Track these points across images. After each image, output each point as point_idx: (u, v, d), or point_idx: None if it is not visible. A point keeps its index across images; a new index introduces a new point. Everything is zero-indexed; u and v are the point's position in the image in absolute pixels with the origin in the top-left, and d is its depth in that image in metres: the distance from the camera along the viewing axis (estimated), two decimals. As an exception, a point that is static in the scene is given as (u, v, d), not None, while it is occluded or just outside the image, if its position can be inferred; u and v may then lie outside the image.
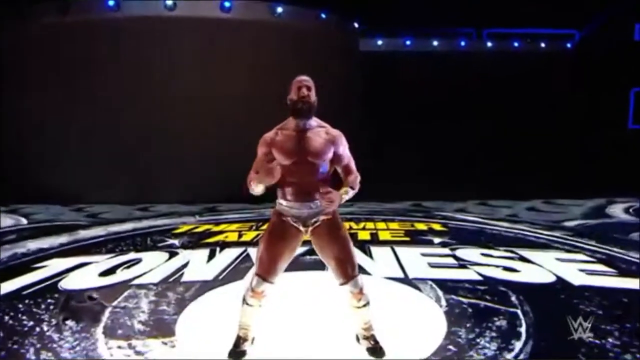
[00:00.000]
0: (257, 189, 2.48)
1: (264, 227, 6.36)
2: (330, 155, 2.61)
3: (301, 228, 2.63)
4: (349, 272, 2.59)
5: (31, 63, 10.09)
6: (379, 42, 13.37)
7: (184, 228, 6.94)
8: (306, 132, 2.58)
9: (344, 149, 2.64)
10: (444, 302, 3.64)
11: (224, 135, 9.72)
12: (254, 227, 6.75)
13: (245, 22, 10.15)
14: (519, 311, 3.44)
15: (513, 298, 3.71)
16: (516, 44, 13.44)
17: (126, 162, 9.91)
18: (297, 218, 2.61)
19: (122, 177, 9.81)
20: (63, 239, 6.25)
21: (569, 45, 13.44)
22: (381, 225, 6.89)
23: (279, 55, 9.80)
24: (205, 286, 4.10)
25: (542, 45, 13.42)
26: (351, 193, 2.58)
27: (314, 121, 2.64)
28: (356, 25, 12.52)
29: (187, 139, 9.95)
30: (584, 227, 6.73)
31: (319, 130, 2.62)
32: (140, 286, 4.13)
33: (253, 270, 2.67)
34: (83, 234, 6.60)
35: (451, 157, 12.10)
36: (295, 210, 2.61)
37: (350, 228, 6.68)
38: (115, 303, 3.70)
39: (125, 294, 3.93)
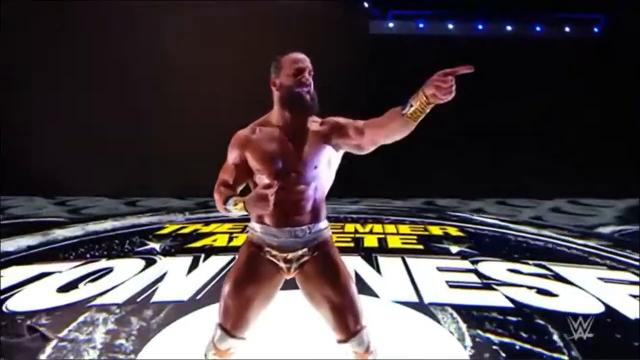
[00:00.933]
0: (232, 213, 1.73)
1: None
2: (326, 158, 1.86)
3: (282, 265, 1.90)
4: (350, 326, 1.84)
5: (6, 48, 9.30)
6: (390, 25, 12.45)
7: (170, 228, 6.26)
8: (295, 128, 1.84)
9: (341, 120, 1.87)
10: (468, 342, 2.91)
11: (219, 125, 8.95)
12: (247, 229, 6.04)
13: (241, 2, 9.28)
14: (566, 358, 2.70)
15: (555, 337, 2.97)
16: (538, 28, 12.44)
17: (116, 152, 9.22)
18: (277, 250, 1.88)
19: (111, 168, 9.12)
20: (33, 240, 5.59)
21: (596, 29, 12.42)
22: (390, 228, 6.14)
23: (279, 38, 8.92)
24: (178, 309, 3.41)
25: (567, 29, 12.42)
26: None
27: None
28: (366, 5, 11.61)
29: (181, 128, 9.21)
30: (622, 235, 5.93)
31: (311, 125, 1.87)
32: (101, 308, 3.45)
33: (217, 312, 1.94)
34: (57, 233, 5.94)
35: (466, 149, 11.24)
36: (274, 239, 1.88)
37: (356, 231, 5.96)
38: (63, 333, 3.01)
39: (80, 319, 3.25)
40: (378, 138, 1.76)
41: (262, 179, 1.85)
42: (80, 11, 9.05)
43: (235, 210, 1.71)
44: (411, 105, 1.59)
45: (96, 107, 9.29)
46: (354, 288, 1.92)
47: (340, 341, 1.87)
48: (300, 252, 1.89)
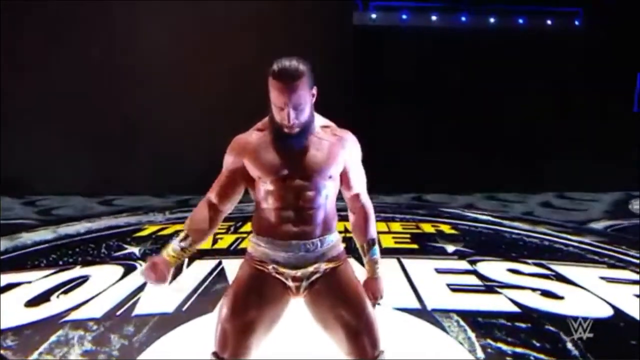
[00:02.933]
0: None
1: (246, 227, 5.28)
2: (340, 168, 1.65)
3: (290, 284, 1.65)
4: (368, 351, 1.61)
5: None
6: (373, 16, 12.23)
7: (150, 229, 5.90)
8: (302, 133, 1.60)
9: (354, 157, 1.72)
10: (480, 353, 2.72)
11: (200, 119, 8.58)
12: (231, 229, 5.73)
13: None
14: (584, 369, 2.54)
15: (570, 345, 2.81)
16: (521, 21, 12.42)
17: (88, 147, 8.71)
18: (284, 267, 1.63)
19: (84, 164, 8.62)
20: (-2, 245, 5.15)
21: (577, 22, 12.48)
22: (381, 226, 5.93)
23: (261, 32, 8.54)
24: (163, 323, 3.11)
25: (549, 22, 12.43)
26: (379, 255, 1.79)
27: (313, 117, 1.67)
28: (348, -5, 11.34)
29: (159, 122, 8.76)
30: (615, 231, 5.89)
31: (322, 131, 1.65)
32: (76, 324, 3.12)
33: (215, 332, 1.65)
34: (25, 237, 5.51)
35: (450, 142, 11.15)
36: (280, 255, 1.63)
37: (346, 230, 5.71)
38: (32, 357, 2.68)
39: (53, 338, 2.91)
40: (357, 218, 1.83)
41: (266, 184, 1.61)
42: (50, 4, 8.49)
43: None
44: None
45: (67, 99, 8.75)
46: (370, 308, 1.69)
47: (356, 368, 1.64)
48: (311, 269, 1.65)
